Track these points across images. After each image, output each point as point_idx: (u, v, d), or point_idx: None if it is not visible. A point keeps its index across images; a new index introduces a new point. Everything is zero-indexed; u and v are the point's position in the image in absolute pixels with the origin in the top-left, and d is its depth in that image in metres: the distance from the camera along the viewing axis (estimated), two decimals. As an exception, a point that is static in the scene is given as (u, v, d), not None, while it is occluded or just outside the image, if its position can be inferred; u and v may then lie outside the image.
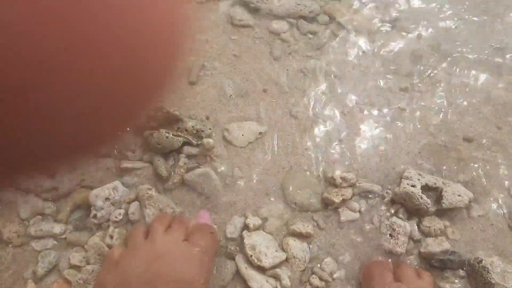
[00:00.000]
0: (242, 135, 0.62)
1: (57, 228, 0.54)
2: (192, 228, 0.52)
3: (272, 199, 0.59)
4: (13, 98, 0.14)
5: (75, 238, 0.54)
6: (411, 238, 0.56)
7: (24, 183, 0.56)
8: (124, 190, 0.56)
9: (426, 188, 0.59)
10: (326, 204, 0.59)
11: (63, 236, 0.54)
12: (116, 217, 0.54)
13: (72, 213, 0.56)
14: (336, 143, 0.64)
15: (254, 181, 0.60)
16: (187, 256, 0.47)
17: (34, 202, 0.55)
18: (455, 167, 0.63)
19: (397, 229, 0.55)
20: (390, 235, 0.56)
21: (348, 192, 0.59)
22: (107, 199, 0.54)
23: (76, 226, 0.55)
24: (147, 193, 0.56)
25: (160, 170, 0.56)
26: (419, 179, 0.59)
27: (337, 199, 0.57)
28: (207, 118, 0.63)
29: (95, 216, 0.54)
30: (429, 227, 0.56)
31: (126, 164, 0.59)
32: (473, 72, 0.72)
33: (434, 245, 0.55)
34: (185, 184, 0.58)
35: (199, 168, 0.58)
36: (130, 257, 0.47)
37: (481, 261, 0.55)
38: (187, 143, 0.59)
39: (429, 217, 0.58)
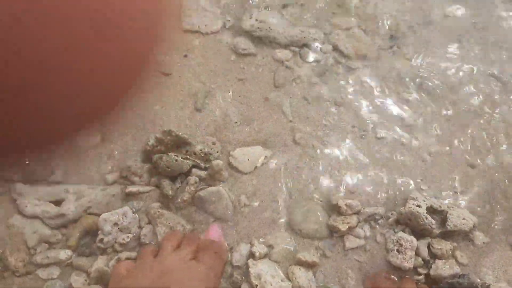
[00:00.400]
0: (248, 159, 0.63)
1: (63, 254, 0.53)
2: (200, 246, 0.53)
3: (277, 226, 0.59)
4: (13, 98, 0.14)
5: (81, 263, 0.53)
6: (422, 259, 0.56)
7: (30, 209, 0.56)
8: (134, 217, 0.56)
9: (431, 210, 0.59)
10: (332, 231, 0.59)
11: (70, 261, 0.53)
12: (123, 239, 0.54)
13: (81, 239, 0.55)
14: (340, 169, 0.65)
15: (260, 207, 0.60)
16: (193, 274, 0.48)
17: (41, 229, 0.55)
18: (457, 193, 0.64)
19: (404, 243, 0.56)
20: (398, 250, 0.56)
21: (354, 220, 0.59)
22: (115, 224, 0.54)
23: (82, 252, 0.54)
24: (158, 211, 0.56)
25: (166, 190, 0.57)
26: (424, 201, 0.60)
27: (343, 227, 0.58)
28: (213, 143, 0.64)
29: (101, 241, 0.53)
30: (440, 249, 0.56)
31: (131, 188, 0.59)
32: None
33: (444, 269, 0.55)
34: (194, 204, 0.59)
35: (211, 186, 0.58)
36: (137, 273, 0.48)
37: (488, 286, 0.55)
38: (195, 166, 0.59)
39: (436, 239, 0.58)
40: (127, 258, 0.53)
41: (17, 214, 0.56)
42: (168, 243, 0.51)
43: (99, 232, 0.54)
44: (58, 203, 0.57)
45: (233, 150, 0.64)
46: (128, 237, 0.54)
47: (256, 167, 0.63)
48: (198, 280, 0.47)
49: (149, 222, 0.57)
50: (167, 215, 0.57)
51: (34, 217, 0.55)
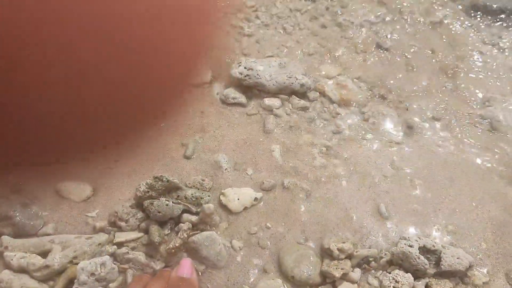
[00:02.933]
0: (238, 199, 0.63)
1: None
2: (170, 285, 0.51)
3: (269, 273, 0.58)
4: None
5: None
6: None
7: (16, 262, 0.54)
8: (112, 268, 0.55)
9: (424, 250, 0.59)
10: (325, 276, 0.58)
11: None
12: None
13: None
14: (330, 212, 0.65)
15: (252, 253, 0.59)
16: None
17: (29, 283, 0.52)
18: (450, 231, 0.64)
19: (400, 280, 0.55)
20: (394, 287, 0.55)
21: (348, 265, 0.58)
22: (92, 274, 0.52)
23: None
24: (124, 257, 0.56)
25: (153, 237, 0.56)
26: (417, 240, 0.59)
27: (337, 273, 0.56)
28: (203, 180, 0.64)
29: None
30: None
31: (118, 239, 0.58)
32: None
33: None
34: (185, 251, 0.57)
35: (204, 231, 0.57)
36: None
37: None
38: (186, 211, 0.59)
39: (435, 279, 0.57)
40: None
41: (6, 268, 0.54)
42: (135, 286, 0.50)
43: (75, 281, 0.52)
44: (44, 254, 0.55)
45: (224, 188, 0.64)
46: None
47: (245, 207, 0.63)
48: None
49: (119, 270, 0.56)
50: (135, 259, 0.56)
51: (22, 270, 0.53)
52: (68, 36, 0.14)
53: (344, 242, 0.60)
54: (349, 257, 0.59)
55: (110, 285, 0.54)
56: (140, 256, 0.55)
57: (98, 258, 0.54)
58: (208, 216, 0.58)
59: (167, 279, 0.52)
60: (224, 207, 0.62)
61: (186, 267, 0.53)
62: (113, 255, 0.56)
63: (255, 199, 0.64)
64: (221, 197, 0.63)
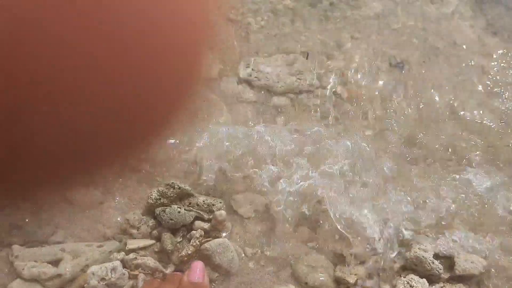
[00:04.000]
0: (249, 205, 0.62)
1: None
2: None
3: (283, 279, 0.58)
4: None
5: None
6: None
7: (27, 272, 0.53)
8: (123, 273, 0.54)
9: (438, 255, 0.59)
10: (339, 282, 0.58)
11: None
12: None
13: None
14: (342, 217, 0.64)
15: (265, 259, 0.59)
16: None
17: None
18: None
19: (415, 285, 0.55)
20: None
21: (361, 271, 0.58)
22: (102, 279, 0.52)
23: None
24: (133, 263, 0.55)
25: (165, 244, 0.56)
26: (430, 244, 0.59)
27: (351, 279, 0.56)
28: (214, 187, 0.63)
29: None
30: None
31: (130, 246, 0.57)
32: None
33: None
34: (198, 258, 0.57)
35: (218, 238, 0.57)
36: None
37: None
38: (198, 218, 0.58)
39: (449, 284, 0.57)
40: None
41: (18, 278, 0.53)
42: None
43: (85, 285, 0.52)
44: (56, 263, 0.55)
45: (235, 194, 0.63)
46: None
47: (257, 213, 0.62)
48: None
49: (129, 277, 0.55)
50: (144, 264, 0.55)
51: (33, 280, 0.53)
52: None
53: (357, 247, 0.60)
54: (363, 262, 0.59)
55: None
56: (149, 261, 0.55)
57: (108, 263, 0.54)
58: (220, 223, 0.57)
59: (178, 283, 0.51)
60: (235, 213, 0.62)
61: (197, 271, 0.52)
62: (122, 261, 0.56)
63: (267, 204, 0.63)
64: (233, 203, 0.62)
